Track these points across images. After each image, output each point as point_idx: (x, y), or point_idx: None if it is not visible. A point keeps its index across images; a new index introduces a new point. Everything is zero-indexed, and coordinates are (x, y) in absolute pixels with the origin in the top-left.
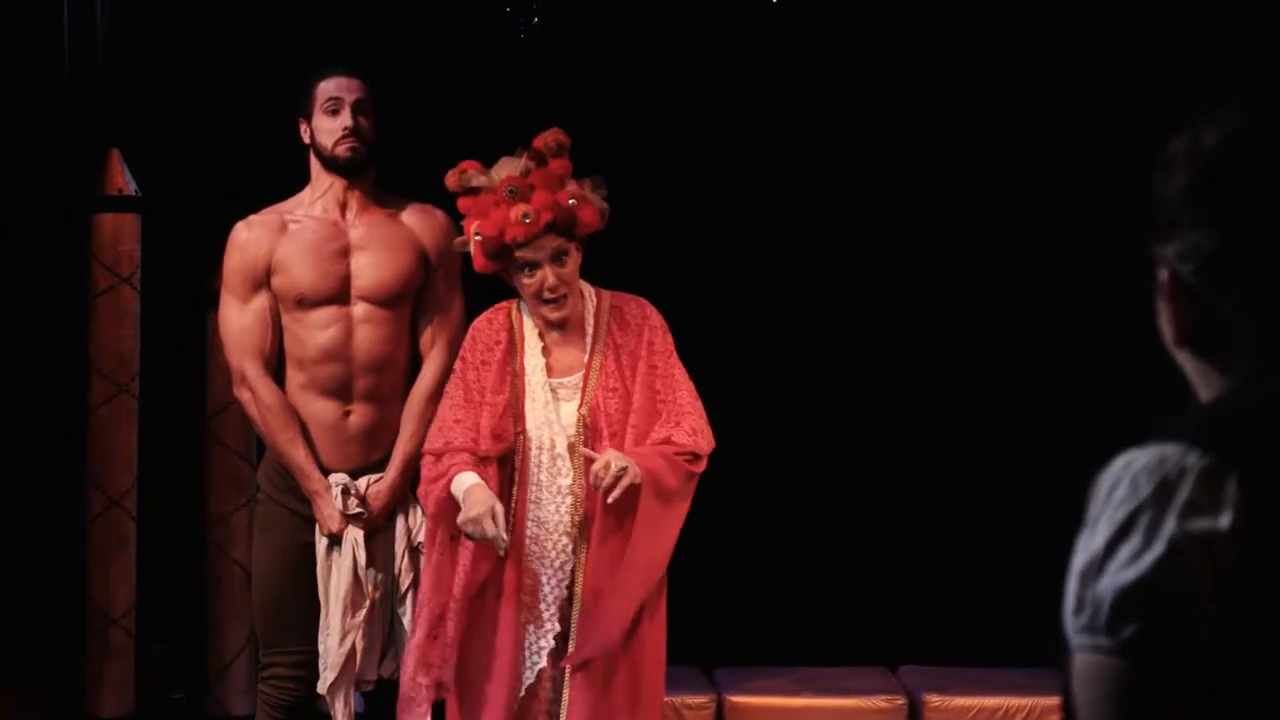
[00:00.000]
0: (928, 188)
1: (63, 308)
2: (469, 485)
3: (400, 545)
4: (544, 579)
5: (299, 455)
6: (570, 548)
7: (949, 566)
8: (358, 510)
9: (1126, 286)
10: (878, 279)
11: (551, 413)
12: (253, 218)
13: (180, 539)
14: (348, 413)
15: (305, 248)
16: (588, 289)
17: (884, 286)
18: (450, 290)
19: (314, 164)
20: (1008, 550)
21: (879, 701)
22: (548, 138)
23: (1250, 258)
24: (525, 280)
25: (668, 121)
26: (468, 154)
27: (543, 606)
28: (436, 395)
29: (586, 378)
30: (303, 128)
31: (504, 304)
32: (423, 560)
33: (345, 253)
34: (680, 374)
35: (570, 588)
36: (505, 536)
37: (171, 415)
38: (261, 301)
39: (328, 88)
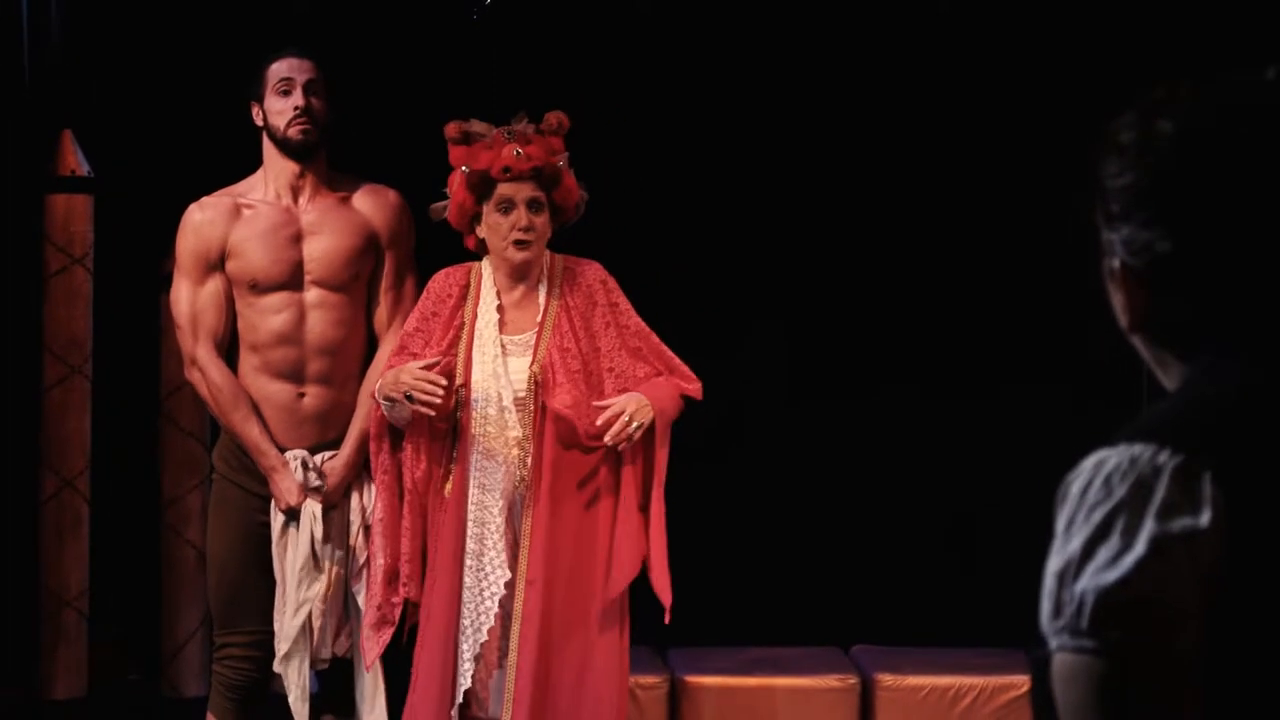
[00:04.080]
0: (893, 174)
1: (15, 289)
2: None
3: (355, 521)
4: (489, 530)
5: (253, 433)
6: (516, 495)
7: (902, 547)
8: (317, 483)
9: (1079, 281)
10: (834, 264)
11: (500, 366)
12: (206, 200)
13: (134, 520)
14: (301, 395)
15: (258, 233)
16: (545, 253)
17: (841, 271)
18: (404, 271)
19: (266, 147)
20: (961, 531)
21: (831, 681)
22: (551, 118)
23: (1204, 261)
24: (499, 219)
25: (624, 98)
26: (420, 133)
27: (489, 557)
28: None
29: (540, 335)
30: (254, 110)
31: (466, 264)
32: (372, 512)
33: (298, 238)
34: (648, 328)
35: (516, 539)
36: (434, 381)
37: (125, 396)
38: (215, 284)
39: (279, 69)
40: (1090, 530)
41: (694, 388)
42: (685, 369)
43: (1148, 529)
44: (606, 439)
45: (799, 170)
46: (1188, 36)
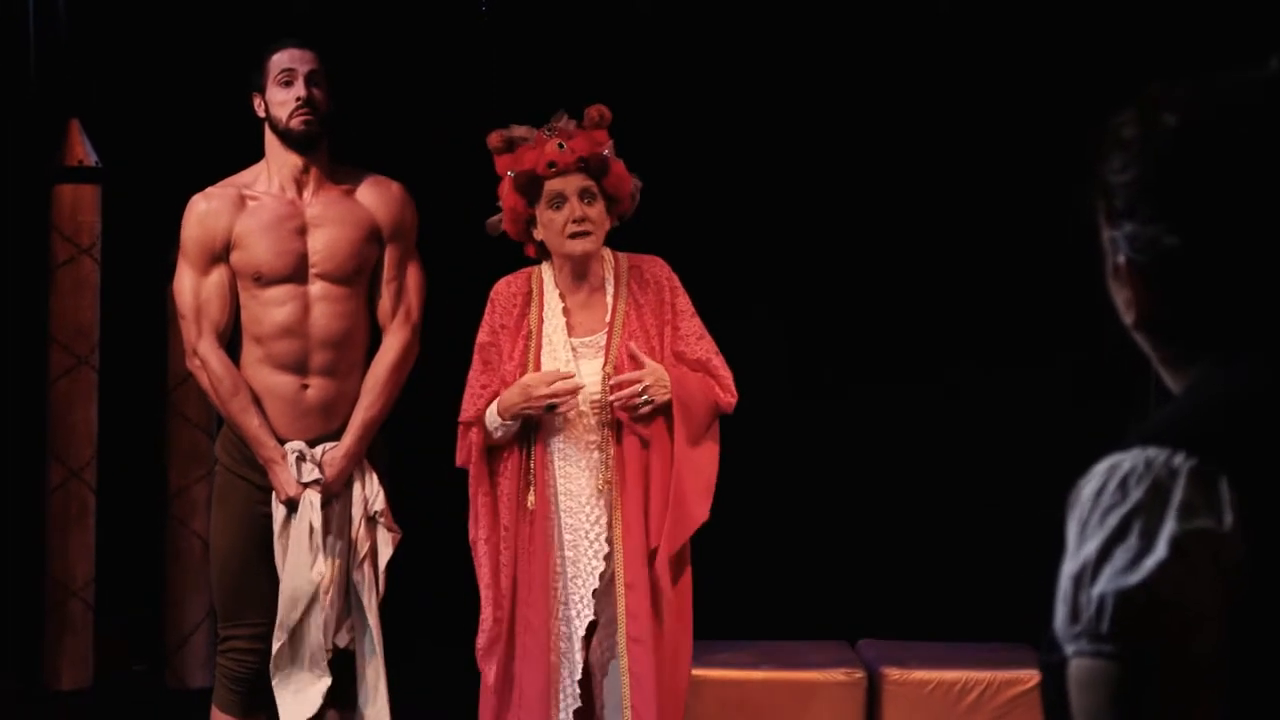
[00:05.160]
0: (894, 170)
1: (22, 279)
2: (497, 400)
3: (357, 513)
4: (581, 536)
5: (253, 423)
6: (603, 501)
7: (908, 540)
8: (314, 476)
9: (1085, 277)
10: (837, 258)
11: (574, 369)
12: (211, 190)
13: (140, 511)
14: (305, 386)
15: (263, 225)
16: (606, 252)
17: (848, 267)
18: (408, 262)
19: (269, 139)
20: (966, 525)
21: (838, 675)
22: (592, 111)
23: (1211, 255)
24: (553, 215)
25: (623, 98)
26: (426, 125)
27: (584, 564)
28: (399, 367)
29: (610, 335)
30: (256, 102)
31: (525, 269)
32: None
33: (302, 231)
34: (703, 331)
35: (609, 540)
36: (568, 378)
37: (131, 387)
38: (220, 275)
39: (280, 59)
40: (1106, 533)
41: (726, 400)
42: (726, 380)
43: (1168, 530)
44: (614, 400)
45: (800, 167)
46: (1188, 36)
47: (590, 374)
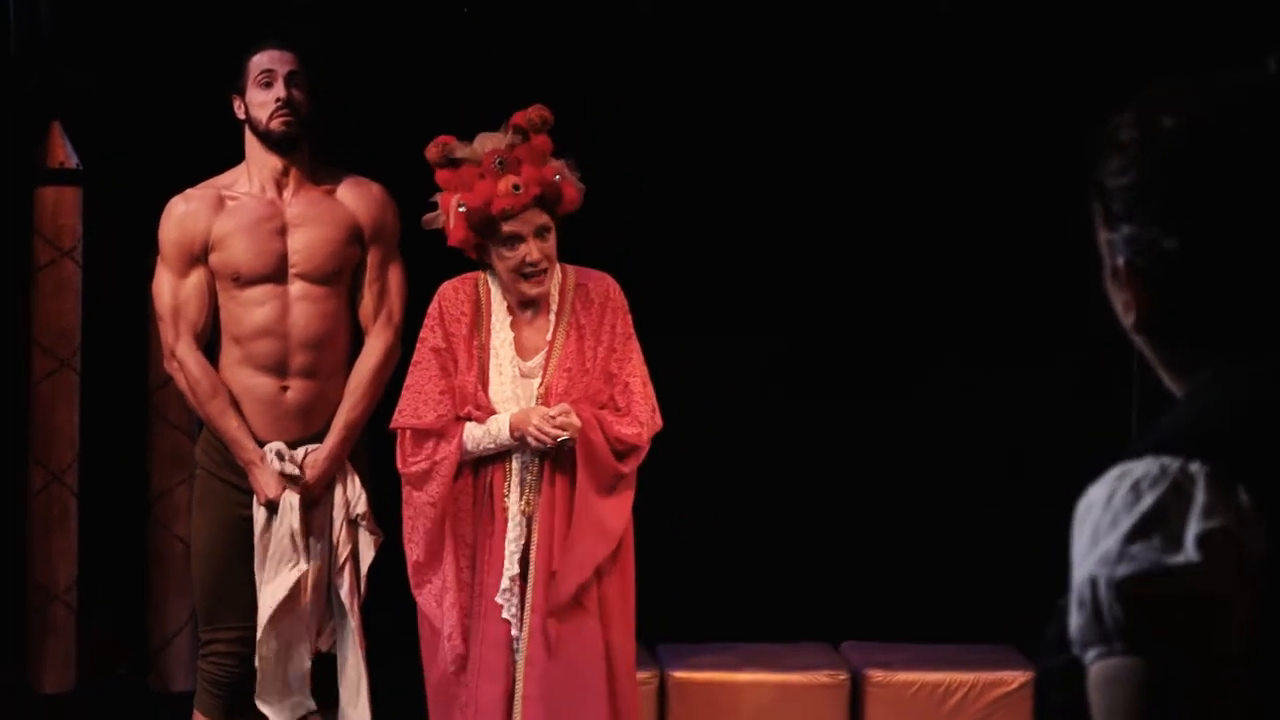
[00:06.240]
0: (891, 173)
1: (3, 282)
2: (494, 421)
3: (339, 515)
4: (507, 540)
5: (231, 425)
6: (523, 523)
7: (892, 542)
8: (293, 472)
9: (1071, 280)
10: (828, 261)
11: (519, 388)
12: (190, 191)
13: (122, 514)
14: (285, 388)
15: (242, 226)
16: (555, 266)
17: (831, 269)
18: (389, 263)
19: (249, 140)
20: (950, 526)
21: (821, 677)
22: (531, 114)
23: (1211, 257)
24: (506, 254)
25: (623, 99)
26: (410, 127)
27: (508, 555)
28: (382, 370)
29: (548, 357)
30: (236, 104)
31: (471, 275)
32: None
33: (282, 231)
34: (636, 356)
35: (526, 547)
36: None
37: (113, 390)
38: (198, 277)
39: (260, 60)
40: (1123, 535)
41: (629, 431)
42: (641, 410)
43: (1193, 530)
44: (532, 430)
45: (797, 167)
46: (1188, 36)
47: (527, 395)
